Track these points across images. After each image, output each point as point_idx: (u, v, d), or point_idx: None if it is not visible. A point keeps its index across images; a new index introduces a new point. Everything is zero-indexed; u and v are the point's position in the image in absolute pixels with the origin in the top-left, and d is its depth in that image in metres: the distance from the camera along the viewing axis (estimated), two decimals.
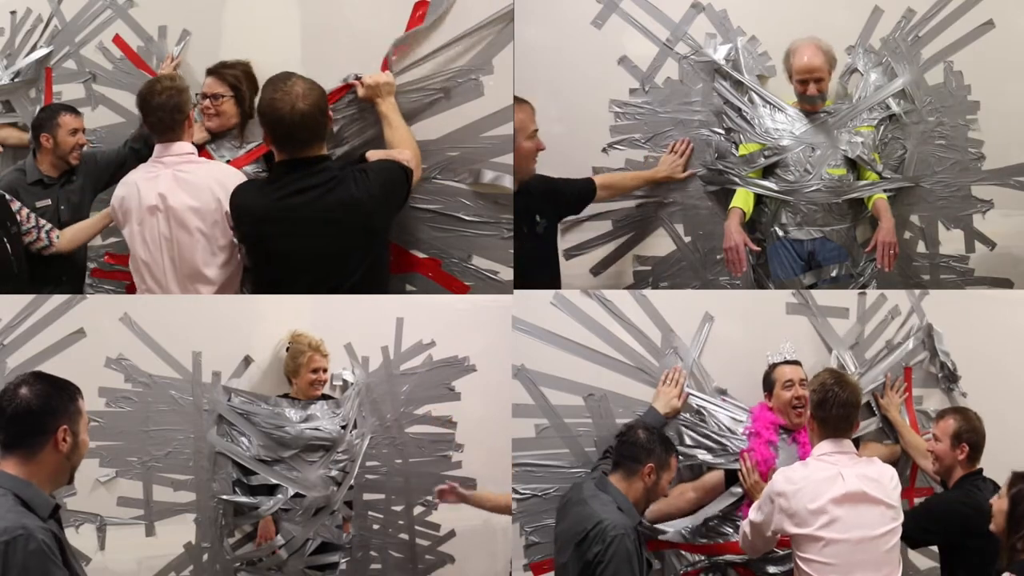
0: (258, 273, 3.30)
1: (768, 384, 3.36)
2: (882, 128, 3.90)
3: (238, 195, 3.20)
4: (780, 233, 3.83)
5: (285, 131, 3.07)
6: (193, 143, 3.43)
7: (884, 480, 2.90)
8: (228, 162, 3.59)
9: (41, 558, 1.98)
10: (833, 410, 2.94)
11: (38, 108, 3.95)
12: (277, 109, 3.05)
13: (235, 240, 3.28)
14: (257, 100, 3.18)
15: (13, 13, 4.06)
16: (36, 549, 1.98)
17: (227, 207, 3.22)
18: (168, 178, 3.29)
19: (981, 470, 3.08)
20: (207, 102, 3.58)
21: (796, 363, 3.36)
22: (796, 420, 3.27)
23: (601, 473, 3.09)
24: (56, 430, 2.14)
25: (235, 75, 3.59)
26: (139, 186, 3.33)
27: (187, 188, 3.27)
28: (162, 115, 3.31)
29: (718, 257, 3.94)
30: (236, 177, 3.30)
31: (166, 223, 3.27)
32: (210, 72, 3.61)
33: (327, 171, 3.11)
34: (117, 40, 3.88)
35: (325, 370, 3.51)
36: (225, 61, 3.63)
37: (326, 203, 3.09)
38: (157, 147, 3.38)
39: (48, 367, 3.27)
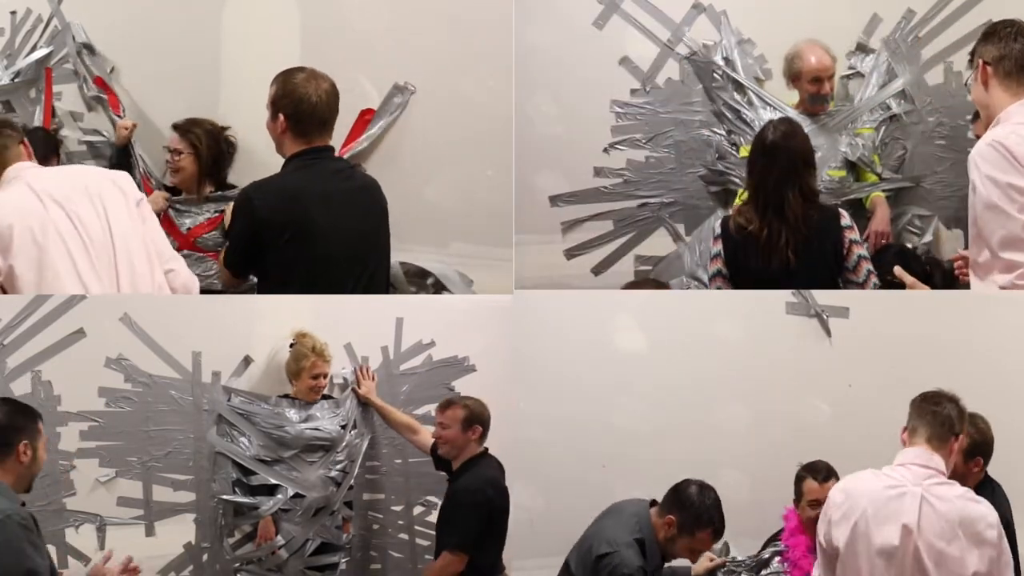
0: (293, 267, 3.16)
1: (797, 493, 3.25)
2: (882, 129, 3.90)
3: (268, 188, 3.13)
4: None
5: (310, 111, 3.07)
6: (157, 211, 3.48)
7: (970, 527, 2.51)
8: (189, 229, 3.73)
9: (28, 532, 2.35)
10: None
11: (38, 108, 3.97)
12: (304, 91, 3.07)
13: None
14: (271, 93, 3.15)
15: (13, 13, 4.05)
16: (25, 524, 2.35)
17: (111, 175, 3.09)
18: (38, 177, 3.00)
19: (988, 477, 3.04)
20: (170, 157, 3.70)
21: (830, 475, 3.16)
22: None
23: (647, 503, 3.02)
24: (17, 445, 2.50)
25: (197, 135, 3.70)
26: (8, 207, 2.96)
27: (61, 176, 3.06)
28: None
29: None
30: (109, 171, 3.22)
31: (61, 211, 2.94)
32: (175, 127, 3.72)
33: (341, 159, 3.17)
34: None
35: (326, 375, 3.50)
36: (193, 119, 3.73)
37: (353, 186, 3.14)
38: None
39: (48, 367, 3.28)
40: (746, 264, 3.29)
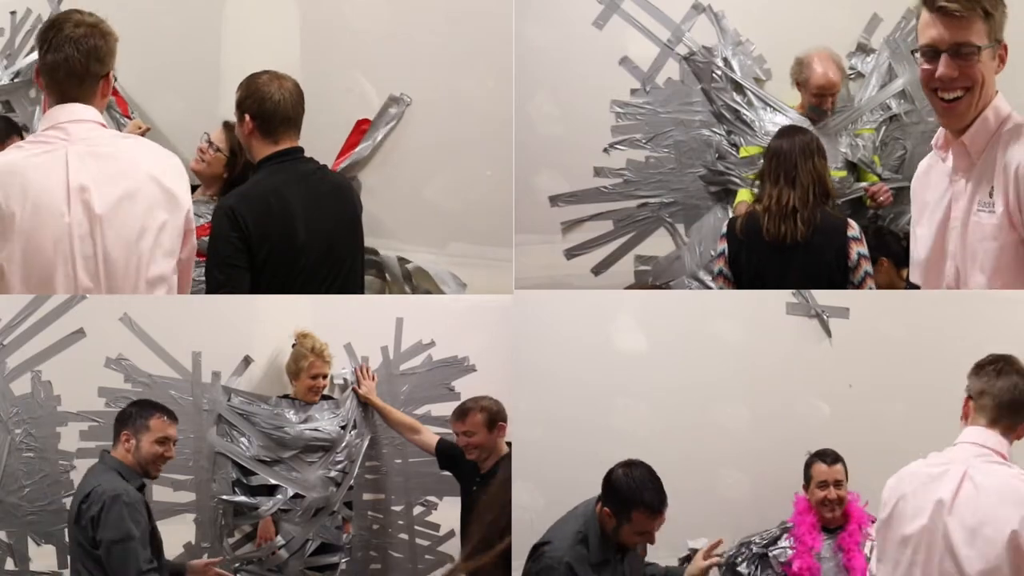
0: (272, 273, 3.12)
1: (806, 476, 3.32)
2: (882, 129, 3.90)
3: (250, 197, 3.08)
4: None
5: (274, 109, 3.07)
6: None
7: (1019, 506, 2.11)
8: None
9: (131, 510, 2.75)
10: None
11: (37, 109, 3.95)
12: (267, 90, 3.07)
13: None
14: (237, 97, 3.14)
15: (13, 13, 4.04)
16: (128, 502, 2.75)
17: (171, 186, 2.51)
18: (82, 156, 2.41)
19: None
20: (204, 145, 3.59)
21: (837, 460, 3.26)
22: (828, 515, 3.26)
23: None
24: (120, 434, 2.89)
25: (239, 141, 3.55)
26: (29, 173, 2.38)
27: (111, 169, 2.43)
28: (72, 61, 2.43)
29: (713, 255, 3.95)
30: (168, 154, 2.61)
31: (88, 226, 2.40)
32: (225, 124, 3.60)
33: (312, 160, 3.15)
34: None
35: (325, 376, 3.50)
36: None
37: (328, 189, 3.12)
38: (52, 112, 2.47)
39: (48, 367, 3.29)
40: (749, 259, 3.29)
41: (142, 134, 3.68)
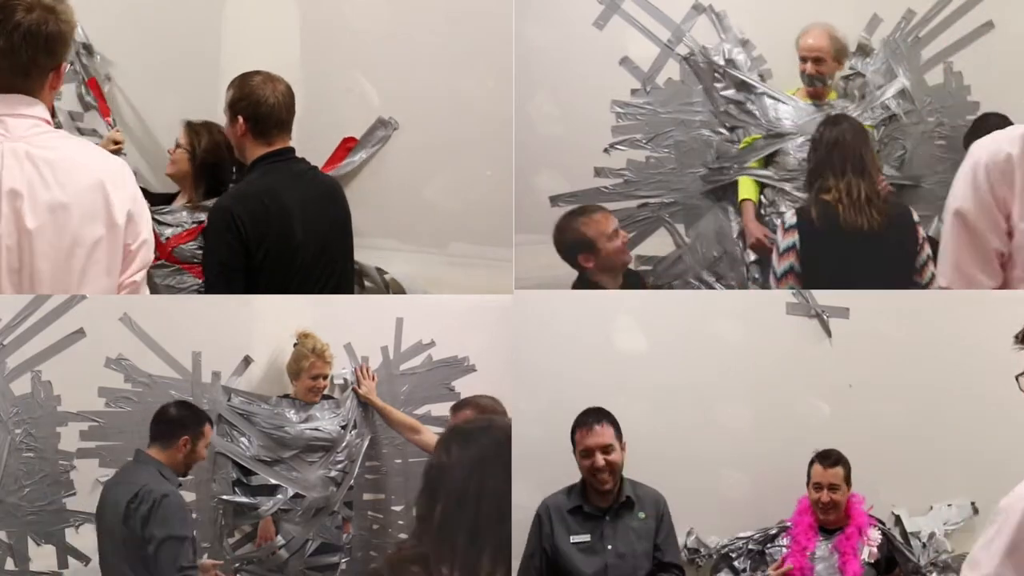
0: (270, 273, 3.18)
1: (807, 476, 3.31)
2: (882, 129, 3.90)
3: (246, 196, 3.13)
4: None
5: (268, 112, 3.11)
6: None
7: None
8: (167, 239, 3.42)
9: (179, 510, 2.87)
10: None
11: None
12: (262, 93, 3.12)
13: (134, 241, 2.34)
14: (229, 97, 3.17)
15: None
16: (180, 503, 2.90)
17: (113, 198, 2.25)
18: (19, 156, 2.18)
19: None
20: (172, 148, 3.58)
21: (837, 463, 3.24)
22: (822, 517, 3.25)
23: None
24: (178, 438, 2.99)
25: (199, 136, 3.52)
26: None
27: (49, 175, 2.19)
28: (18, 51, 2.15)
29: (714, 255, 3.95)
30: (116, 162, 2.36)
31: (16, 237, 2.18)
32: (187, 123, 3.56)
33: (303, 160, 3.18)
34: None
35: (326, 376, 3.50)
36: (209, 123, 3.54)
37: (321, 190, 3.15)
38: None
39: (48, 367, 3.28)
40: (826, 251, 3.28)
41: (114, 150, 3.48)
